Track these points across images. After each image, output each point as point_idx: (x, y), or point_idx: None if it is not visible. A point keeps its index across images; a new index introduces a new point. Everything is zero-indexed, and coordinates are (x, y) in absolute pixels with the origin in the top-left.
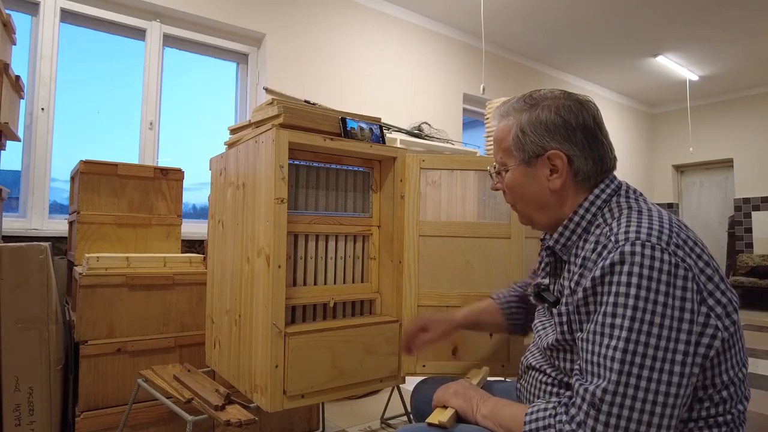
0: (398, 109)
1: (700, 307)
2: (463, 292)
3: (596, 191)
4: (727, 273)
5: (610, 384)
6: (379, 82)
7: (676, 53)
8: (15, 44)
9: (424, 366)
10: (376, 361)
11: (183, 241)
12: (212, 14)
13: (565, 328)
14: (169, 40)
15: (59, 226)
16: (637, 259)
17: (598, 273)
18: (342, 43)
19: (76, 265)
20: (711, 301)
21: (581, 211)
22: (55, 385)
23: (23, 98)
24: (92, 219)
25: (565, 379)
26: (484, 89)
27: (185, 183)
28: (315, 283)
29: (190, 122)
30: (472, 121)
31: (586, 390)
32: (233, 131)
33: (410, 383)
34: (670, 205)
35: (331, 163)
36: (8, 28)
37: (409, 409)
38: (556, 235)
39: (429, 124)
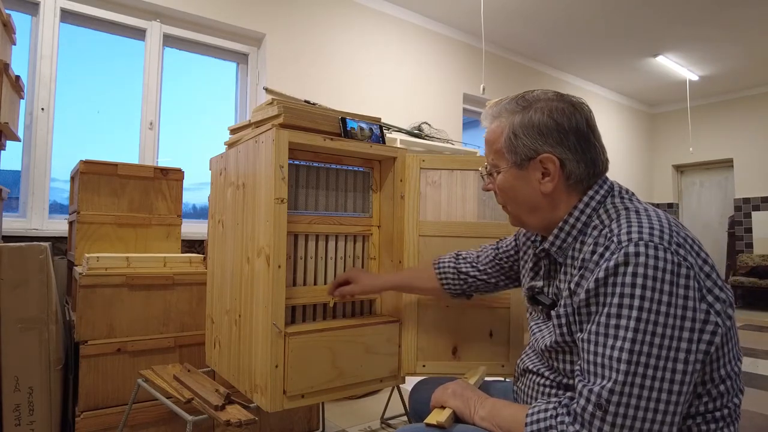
0: (398, 109)
1: (700, 304)
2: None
3: (590, 193)
4: (727, 273)
5: (616, 384)
6: (379, 82)
7: (676, 53)
8: (15, 44)
9: (424, 366)
10: (376, 361)
11: (183, 241)
12: (212, 14)
13: (565, 329)
14: (169, 40)
15: (59, 226)
16: (642, 259)
17: (601, 274)
18: (342, 43)
19: (76, 265)
20: (710, 298)
21: (576, 213)
22: (55, 385)
23: (23, 98)
24: (92, 219)
25: (564, 380)
26: (484, 89)
27: (185, 183)
28: (315, 283)
29: (190, 122)
30: (472, 121)
31: (590, 391)
32: (233, 131)
33: (410, 383)
34: (670, 205)
35: (331, 163)
36: (8, 28)
37: (408, 410)
38: (551, 238)
39: (429, 124)
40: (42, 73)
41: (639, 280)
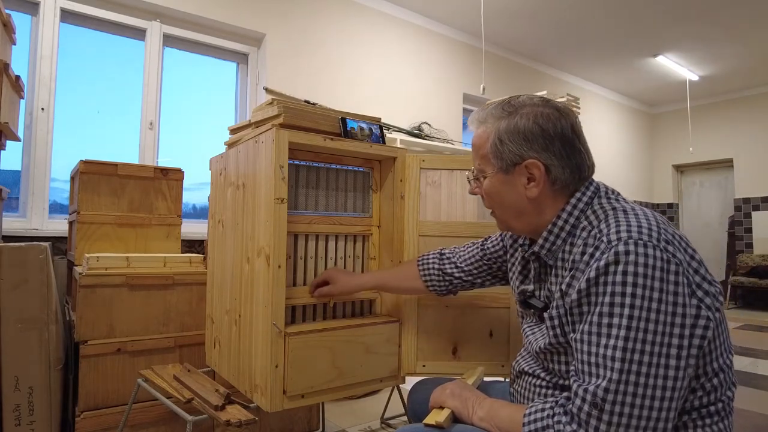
0: (398, 109)
1: (691, 299)
2: (463, 292)
3: (577, 195)
4: (727, 273)
5: (611, 383)
6: (379, 82)
7: (676, 53)
8: (15, 44)
9: (424, 366)
10: (376, 361)
11: (183, 241)
12: (212, 14)
13: (558, 331)
14: (169, 40)
15: (59, 226)
16: (632, 257)
17: (592, 274)
18: (342, 43)
19: (76, 265)
20: (700, 293)
21: (564, 215)
22: (55, 385)
23: (23, 98)
24: (92, 219)
25: (560, 381)
26: (484, 89)
27: (185, 183)
28: None
29: (190, 122)
30: None
31: (586, 390)
32: (233, 131)
33: (410, 383)
34: (670, 205)
35: (331, 163)
36: (8, 28)
37: (407, 410)
38: (541, 241)
39: (429, 124)
40: (42, 73)
41: (630, 279)
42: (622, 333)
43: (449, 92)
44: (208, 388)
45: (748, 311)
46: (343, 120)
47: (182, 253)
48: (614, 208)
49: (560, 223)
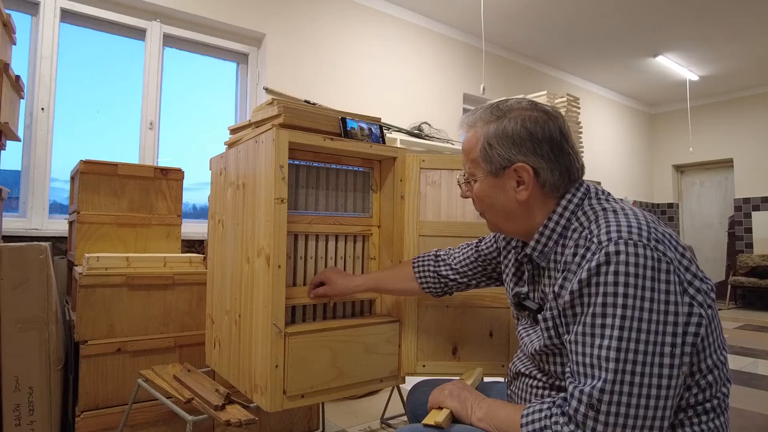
0: (398, 109)
1: (683, 297)
2: (464, 292)
3: (567, 197)
4: (727, 273)
5: (606, 383)
6: (379, 82)
7: (676, 53)
8: (15, 44)
9: (424, 366)
10: (376, 361)
11: (183, 241)
12: (212, 14)
13: (552, 332)
14: (169, 40)
15: (59, 226)
16: (622, 257)
17: (584, 275)
18: (342, 42)
19: (76, 265)
20: (692, 290)
21: (555, 217)
22: (55, 385)
23: (23, 98)
24: (92, 219)
25: (556, 382)
26: (484, 89)
27: (185, 183)
28: None
29: (190, 122)
30: None
31: (581, 392)
32: (233, 131)
33: (410, 383)
34: (670, 205)
35: (331, 163)
36: (8, 28)
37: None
38: (533, 243)
39: (429, 124)
40: (42, 73)
41: (621, 278)
42: (616, 333)
43: (449, 92)
44: (208, 388)
45: (748, 311)
46: (343, 120)
47: (182, 253)
48: (604, 209)
49: (551, 225)
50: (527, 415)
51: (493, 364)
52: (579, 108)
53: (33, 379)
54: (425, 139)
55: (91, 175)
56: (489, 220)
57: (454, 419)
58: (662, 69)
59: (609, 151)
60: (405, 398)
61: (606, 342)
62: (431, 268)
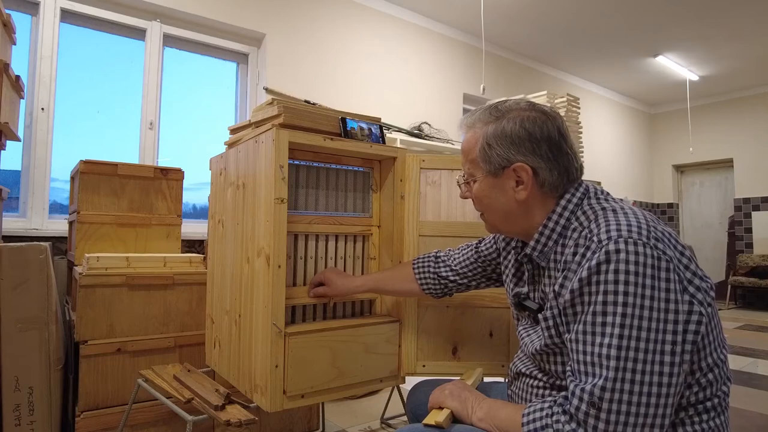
0: (398, 109)
1: (683, 296)
2: (463, 292)
3: (566, 197)
4: (727, 273)
5: (607, 381)
6: (379, 82)
7: (676, 53)
8: (15, 44)
9: (424, 366)
10: (376, 361)
11: (183, 241)
12: (212, 14)
13: (553, 332)
14: (169, 40)
15: (59, 226)
16: (622, 256)
17: (584, 274)
18: (342, 42)
19: (76, 265)
20: (691, 289)
21: (555, 217)
22: (55, 385)
23: (23, 98)
24: (92, 219)
25: (557, 382)
26: (484, 89)
27: (185, 183)
28: None
29: (190, 122)
30: None
31: (582, 390)
32: (233, 131)
33: (410, 383)
34: (670, 205)
35: (331, 163)
36: (8, 28)
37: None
38: (533, 243)
39: (429, 124)
40: (42, 73)
41: (621, 277)
42: (616, 331)
43: (449, 92)
44: (208, 388)
45: (748, 311)
46: (343, 120)
47: (182, 253)
48: (603, 208)
49: (551, 225)
50: (528, 414)
51: (493, 364)
52: (579, 108)
53: (33, 379)
54: (425, 139)
55: (91, 175)
56: (488, 221)
57: (454, 419)
58: (662, 69)
59: (609, 151)
60: (405, 398)
61: (607, 340)
62: (431, 270)
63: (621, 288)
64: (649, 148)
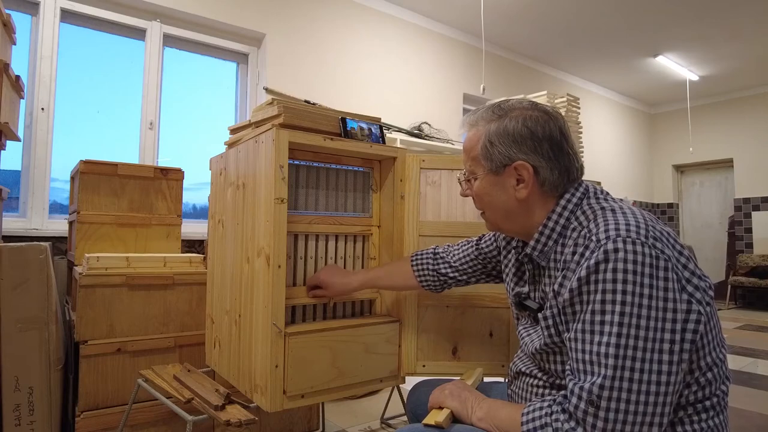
0: (398, 109)
1: (681, 295)
2: (463, 292)
3: (566, 196)
4: (727, 273)
5: (606, 380)
6: (379, 82)
7: (676, 53)
8: (15, 44)
9: (424, 366)
10: (376, 361)
11: (183, 241)
12: (212, 14)
13: (552, 331)
14: (169, 40)
15: (59, 226)
16: (621, 255)
17: (583, 273)
18: (342, 42)
19: (76, 265)
20: (690, 288)
21: (554, 217)
22: (55, 385)
23: (23, 98)
24: (92, 219)
25: (557, 381)
26: (484, 89)
27: (185, 183)
28: None
29: (190, 122)
30: None
31: (581, 388)
32: (233, 131)
33: (410, 383)
34: (670, 205)
35: (331, 163)
36: (8, 28)
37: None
38: (533, 242)
39: (429, 124)
40: (42, 73)
41: (620, 276)
42: (615, 330)
43: (449, 92)
44: (208, 388)
45: (748, 311)
46: (343, 120)
47: (182, 253)
48: (603, 208)
49: (551, 224)
50: (528, 413)
51: (493, 364)
52: (579, 108)
53: (33, 379)
54: (425, 139)
55: (91, 175)
56: (488, 219)
57: (454, 419)
58: (662, 69)
59: (609, 151)
60: (405, 398)
61: (605, 339)
62: (430, 267)
63: (619, 287)
64: (649, 148)
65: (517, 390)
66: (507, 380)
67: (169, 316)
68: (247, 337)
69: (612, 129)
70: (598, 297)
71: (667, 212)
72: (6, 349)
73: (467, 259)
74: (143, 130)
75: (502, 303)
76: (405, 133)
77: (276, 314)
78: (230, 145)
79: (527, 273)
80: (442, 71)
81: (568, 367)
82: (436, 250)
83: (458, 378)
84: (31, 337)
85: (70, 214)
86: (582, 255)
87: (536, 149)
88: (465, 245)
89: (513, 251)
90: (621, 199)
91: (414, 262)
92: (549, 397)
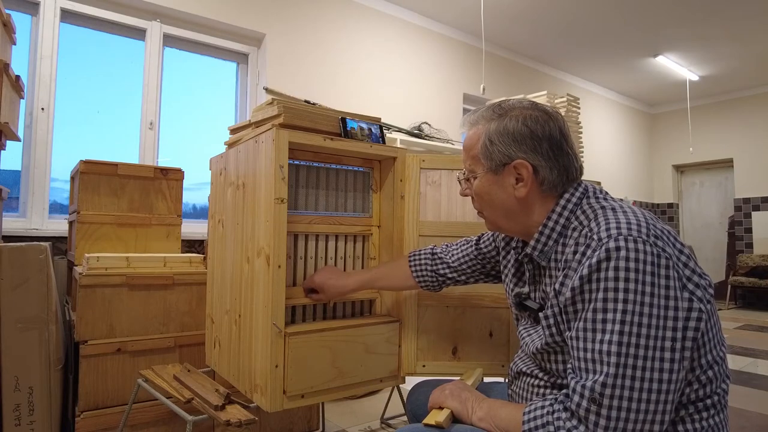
0: (398, 109)
1: (682, 293)
2: (463, 292)
3: (566, 196)
4: (727, 273)
5: (608, 378)
6: (379, 82)
7: (676, 53)
8: (15, 44)
9: (424, 366)
10: (376, 361)
11: (183, 241)
12: (212, 14)
13: (554, 330)
14: (169, 40)
15: (59, 226)
16: (623, 253)
17: (585, 271)
18: (342, 42)
19: (76, 265)
20: (691, 286)
21: (554, 217)
22: (55, 385)
23: (23, 98)
24: (92, 219)
25: (558, 380)
26: (484, 89)
27: (185, 183)
28: None
29: (190, 122)
30: None
31: (584, 386)
32: (233, 131)
33: (410, 383)
34: (670, 205)
35: (331, 163)
36: (8, 28)
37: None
38: (533, 242)
39: (429, 124)
40: (42, 73)
41: (621, 274)
42: (617, 328)
43: (449, 92)
44: (208, 388)
45: (748, 311)
46: (343, 120)
47: (182, 253)
48: (603, 207)
49: (551, 224)
50: (529, 412)
51: (493, 364)
52: (579, 108)
53: (33, 379)
54: (425, 139)
55: (91, 175)
56: (487, 218)
57: (454, 419)
58: (662, 69)
59: (609, 151)
60: (405, 398)
61: (607, 337)
62: (428, 268)
63: (621, 285)
64: (649, 148)
65: (517, 390)
66: (507, 380)
67: (169, 316)
68: (247, 337)
69: (612, 129)
70: (600, 295)
71: (667, 212)
72: (6, 349)
73: (466, 259)
74: (143, 130)
75: (502, 303)
76: (405, 133)
77: (276, 314)
78: (230, 145)
79: (527, 273)
80: (442, 71)
81: (569, 365)
82: (434, 250)
83: (458, 378)
84: (31, 337)
85: (70, 214)
86: (583, 254)
87: (536, 148)
88: (464, 245)
89: (512, 251)
90: (621, 199)
91: (412, 263)
92: (550, 396)
